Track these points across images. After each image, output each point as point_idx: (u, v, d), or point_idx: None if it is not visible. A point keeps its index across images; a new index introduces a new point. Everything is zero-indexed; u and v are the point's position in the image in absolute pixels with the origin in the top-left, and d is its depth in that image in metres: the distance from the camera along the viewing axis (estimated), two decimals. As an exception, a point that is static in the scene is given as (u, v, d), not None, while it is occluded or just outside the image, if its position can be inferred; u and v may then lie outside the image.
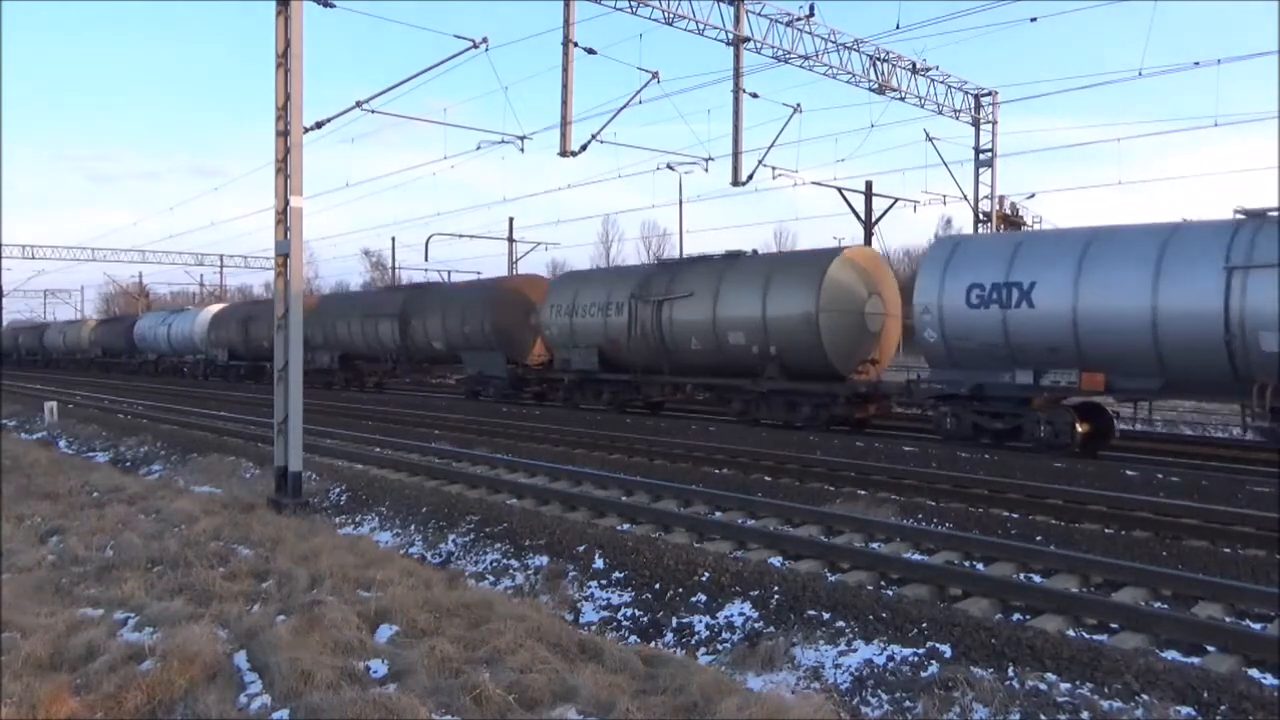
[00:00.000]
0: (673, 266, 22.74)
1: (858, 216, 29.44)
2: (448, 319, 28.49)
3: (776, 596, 7.00)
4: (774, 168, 24.09)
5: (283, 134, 11.05)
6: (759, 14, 21.86)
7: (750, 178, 22.36)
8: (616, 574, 8.06)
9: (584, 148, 20.03)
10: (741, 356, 19.72)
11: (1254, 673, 5.74)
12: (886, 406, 19.05)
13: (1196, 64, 20.55)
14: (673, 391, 22.91)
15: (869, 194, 29.25)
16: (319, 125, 12.61)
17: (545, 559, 8.69)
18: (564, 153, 19.73)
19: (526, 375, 26.79)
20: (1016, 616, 6.97)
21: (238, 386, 37.55)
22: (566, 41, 19.14)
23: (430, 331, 29.30)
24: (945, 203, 28.68)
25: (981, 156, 27.81)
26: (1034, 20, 20.66)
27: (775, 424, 19.06)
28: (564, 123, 19.54)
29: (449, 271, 45.47)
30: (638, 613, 7.39)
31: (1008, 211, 27.76)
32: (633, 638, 6.92)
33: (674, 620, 7.11)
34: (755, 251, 22.48)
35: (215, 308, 47.98)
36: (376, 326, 31.49)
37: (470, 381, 28.36)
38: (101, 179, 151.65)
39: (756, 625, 6.73)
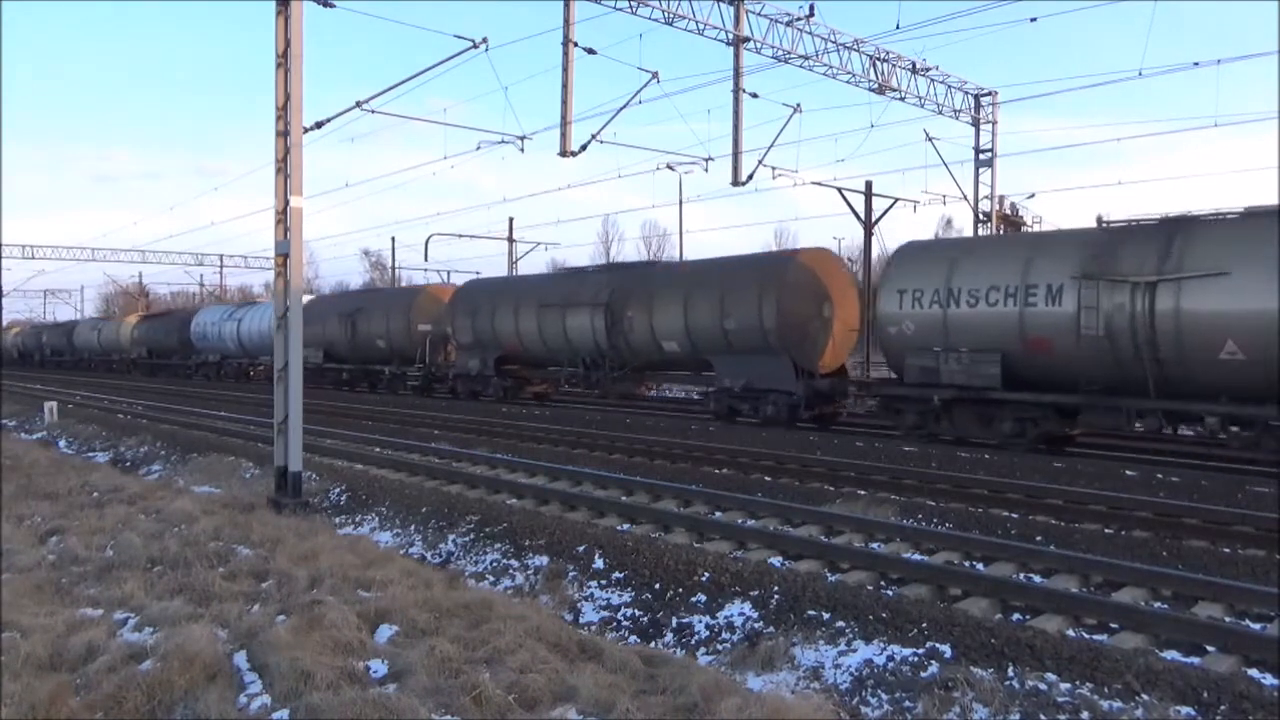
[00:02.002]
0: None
1: (858, 216, 29.42)
2: (693, 309, 20.86)
3: (776, 596, 7.00)
4: (774, 168, 24.10)
5: (283, 134, 11.05)
6: (759, 14, 21.87)
7: (750, 178, 22.38)
8: (616, 574, 8.06)
9: (584, 148, 20.04)
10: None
11: (1254, 673, 5.73)
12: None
13: (1196, 64, 20.55)
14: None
15: (869, 194, 29.23)
16: (319, 125, 12.61)
17: (545, 559, 8.69)
18: (564, 153, 19.73)
19: (821, 388, 19.32)
20: (1016, 616, 6.97)
21: (241, 385, 37.38)
22: (566, 41, 19.14)
23: (662, 327, 21.67)
24: (945, 203, 28.71)
25: (981, 156, 27.82)
26: (1034, 20, 20.71)
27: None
28: (564, 123, 19.55)
29: (449, 271, 45.33)
30: (638, 613, 7.39)
31: (1008, 211, 27.77)
32: (633, 638, 6.93)
33: (674, 620, 7.11)
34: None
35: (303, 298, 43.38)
36: (565, 321, 23.97)
37: (723, 398, 20.51)
38: (102, 179, 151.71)
39: (756, 625, 6.73)
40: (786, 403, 19.18)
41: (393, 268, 54.45)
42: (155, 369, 50.25)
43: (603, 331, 23.01)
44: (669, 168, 25.64)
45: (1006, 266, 15.33)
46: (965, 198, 27.93)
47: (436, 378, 29.87)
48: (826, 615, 6.61)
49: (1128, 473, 12.38)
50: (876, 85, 24.59)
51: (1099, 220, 15.07)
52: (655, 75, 20.19)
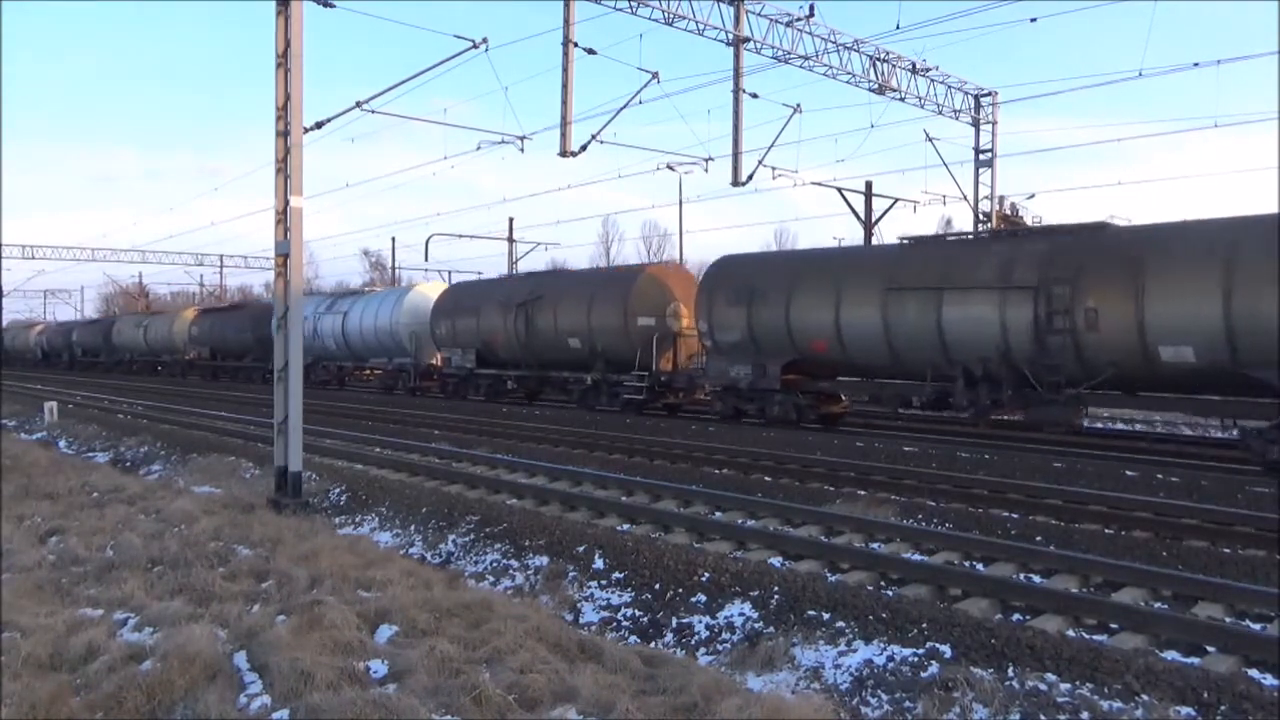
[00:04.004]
0: None
1: (858, 217, 29.45)
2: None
3: (776, 597, 7.00)
4: (774, 168, 24.12)
5: (283, 134, 11.05)
6: (759, 14, 21.87)
7: (750, 178, 22.40)
8: (616, 574, 8.06)
9: (584, 148, 20.04)
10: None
11: (1254, 673, 5.73)
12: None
13: (1196, 64, 20.55)
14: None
15: (869, 194, 29.27)
16: (319, 125, 12.60)
17: (545, 559, 8.69)
18: (564, 153, 19.74)
19: None
20: (1016, 617, 6.97)
21: (240, 385, 37.01)
22: (566, 41, 19.15)
23: (1168, 321, 13.61)
24: (945, 203, 28.75)
25: (981, 156, 27.83)
26: (1034, 20, 20.69)
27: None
28: (564, 123, 19.55)
29: (449, 271, 45.18)
30: (638, 613, 7.39)
31: (1007, 212, 27.77)
32: (633, 638, 6.92)
33: (674, 620, 7.11)
34: None
35: (432, 287, 32.99)
36: (943, 310, 16.29)
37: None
38: (103, 179, 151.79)
39: (756, 625, 6.73)
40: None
41: (393, 268, 54.47)
42: (218, 373, 41.88)
43: (1026, 328, 15.19)
44: (669, 168, 25.62)
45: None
46: (965, 198, 27.96)
47: (672, 389, 22.46)
48: (826, 615, 6.61)
49: (1128, 473, 12.38)
50: (876, 85, 24.59)
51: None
52: (655, 75, 20.21)
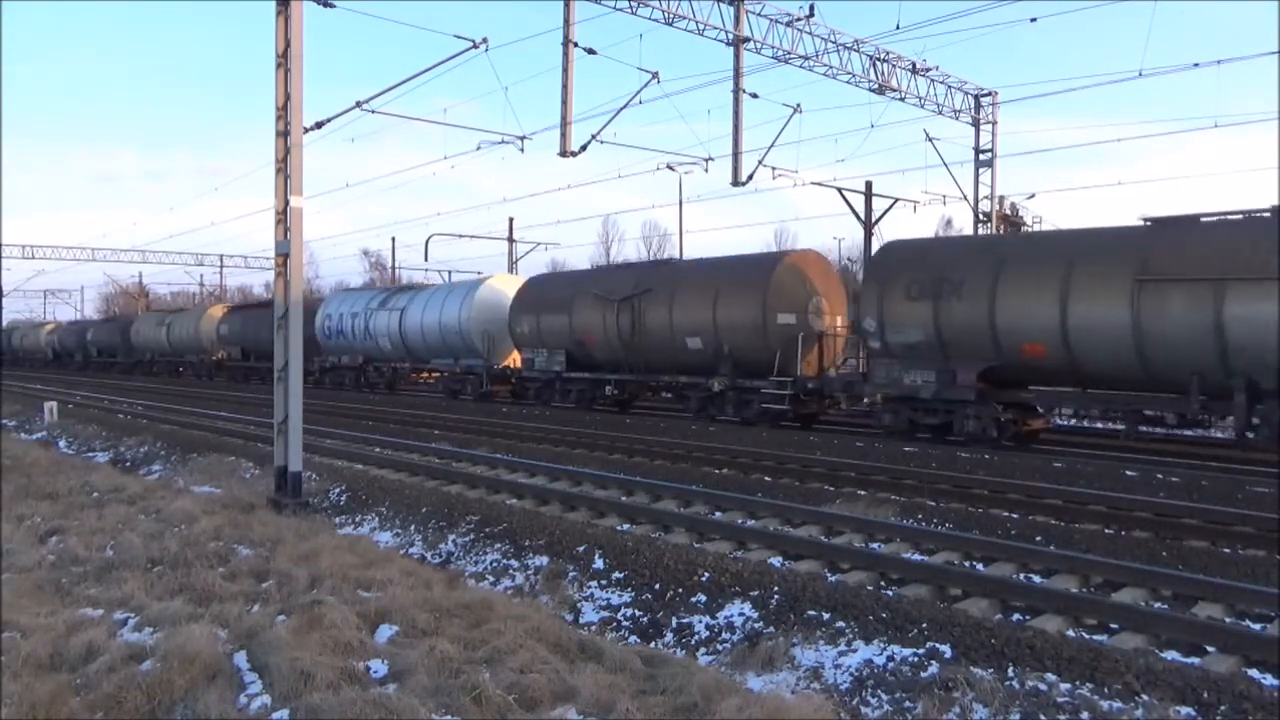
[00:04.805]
0: None
1: (858, 217, 29.43)
2: None
3: (776, 597, 7.00)
4: (774, 168, 24.11)
5: (283, 134, 11.05)
6: (759, 14, 21.88)
7: (750, 178, 22.39)
8: (616, 574, 8.05)
9: (584, 148, 20.04)
10: None
11: (1254, 673, 5.73)
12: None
13: (1196, 65, 20.52)
14: None
15: (869, 194, 29.24)
16: (319, 125, 12.60)
17: (545, 559, 8.69)
18: (564, 153, 19.74)
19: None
20: (1016, 616, 6.97)
21: (244, 386, 36.93)
22: (566, 41, 19.15)
23: None
24: (945, 203, 28.74)
25: (981, 157, 27.83)
26: (1034, 20, 20.66)
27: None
28: (564, 123, 19.55)
29: (449, 271, 45.15)
30: (638, 613, 7.39)
31: (1008, 211, 27.78)
32: (633, 638, 6.92)
33: (674, 620, 7.11)
34: None
35: (506, 280, 29.81)
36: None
37: None
38: (104, 179, 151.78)
39: (756, 625, 6.73)
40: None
41: (393, 268, 54.47)
42: (250, 374, 39.63)
43: None
44: (669, 168, 25.64)
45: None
46: (965, 198, 27.96)
47: (818, 397, 19.59)
48: (826, 615, 6.61)
49: (1128, 473, 12.38)
50: (876, 85, 24.59)
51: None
52: (655, 75, 20.21)
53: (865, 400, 18.86)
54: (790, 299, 19.80)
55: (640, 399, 24.72)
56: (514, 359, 27.53)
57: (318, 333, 34.28)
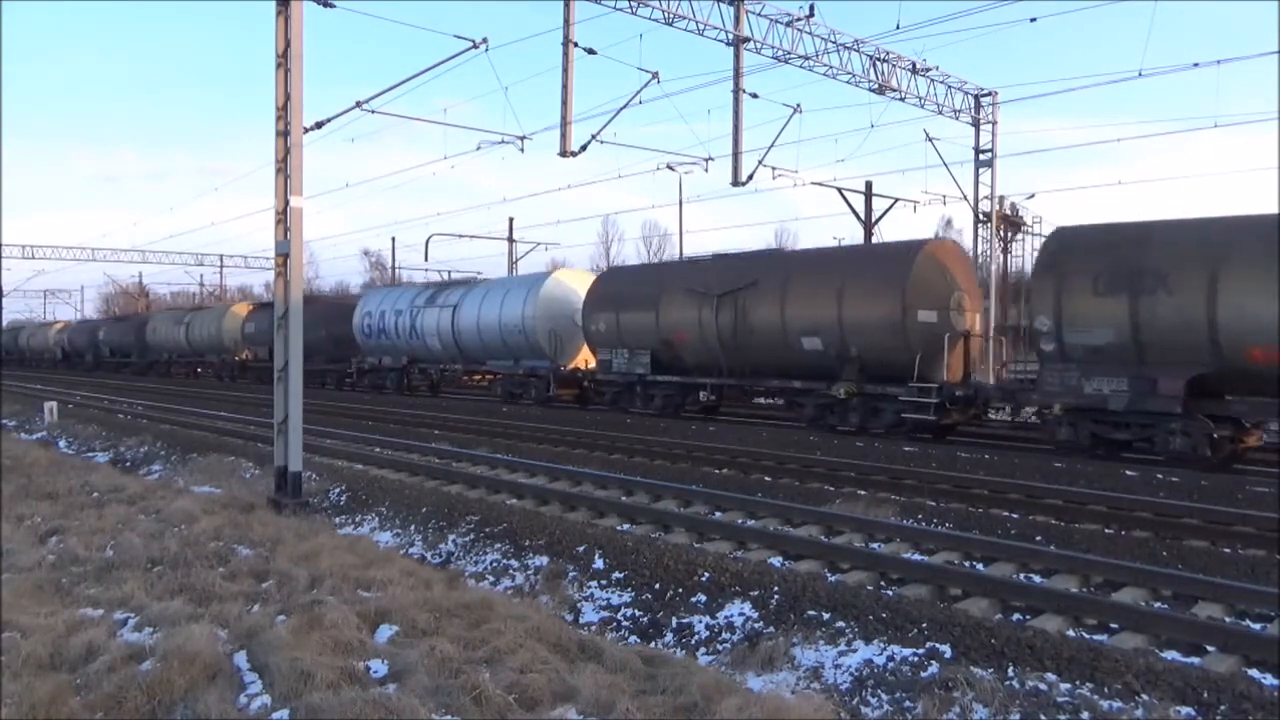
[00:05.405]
0: None
1: (858, 217, 29.46)
2: None
3: (776, 597, 7.00)
4: (774, 168, 24.08)
5: (283, 134, 11.04)
6: (759, 14, 21.85)
7: (750, 178, 22.34)
8: (616, 574, 8.06)
9: (584, 148, 20.01)
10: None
11: (1254, 673, 5.74)
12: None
13: (1196, 64, 20.49)
14: None
15: (869, 194, 29.28)
16: (319, 125, 12.61)
17: (545, 559, 8.69)
18: (564, 153, 19.71)
19: None
20: (1016, 616, 6.97)
21: (238, 385, 36.82)
22: (566, 41, 19.13)
23: None
24: (945, 203, 28.74)
25: (981, 156, 27.79)
26: (1034, 20, 20.64)
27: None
28: (564, 123, 19.53)
29: (449, 271, 45.10)
30: (638, 613, 7.39)
31: (1008, 212, 27.77)
32: (633, 638, 6.92)
33: (674, 620, 7.11)
34: None
35: (573, 274, 28.05)
36: None
37: None
38: (105, 179, 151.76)
39: (756, 625, 6.73)
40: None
41: (393, 268, 54.47)
42: (262, 374, 36.11)
43: None
44: (669, 168, 25.64)
45: None
46: (965, 198, 27.92)
47: (968, 405, 17.12)
48: (826, 615, 6.61)
49: (1128, 473, 12.39)
50: (876, 85, 24.57)
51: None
52: (655, 75, 20.20)
53: (1028, 411, 16.57)
54: (932, 294, 17.35)
55: (728, 405, 22.66)
56: (583, 360, 25.44)
57: (356, 331, 32.49)
